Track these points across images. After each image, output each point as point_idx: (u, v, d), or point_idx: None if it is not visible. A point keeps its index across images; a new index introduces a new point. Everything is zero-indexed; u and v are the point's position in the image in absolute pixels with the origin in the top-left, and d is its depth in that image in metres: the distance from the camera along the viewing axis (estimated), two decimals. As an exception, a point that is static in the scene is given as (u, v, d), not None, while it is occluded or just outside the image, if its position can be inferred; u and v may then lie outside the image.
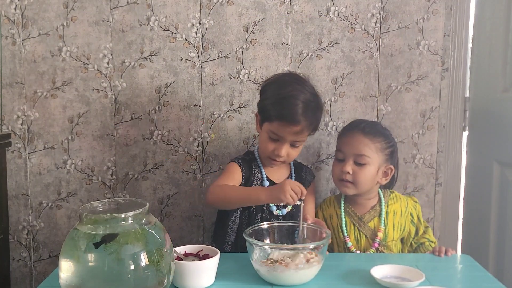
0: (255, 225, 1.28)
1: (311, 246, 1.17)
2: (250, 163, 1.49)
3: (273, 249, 1.19)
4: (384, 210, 1.48)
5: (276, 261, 1.15)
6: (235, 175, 1.45)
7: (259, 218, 1.45)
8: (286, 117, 1.34)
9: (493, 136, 1.71)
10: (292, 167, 1.54)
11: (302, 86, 1.39)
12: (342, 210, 1.49)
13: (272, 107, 1.37)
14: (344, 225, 1.47)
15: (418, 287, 1.10)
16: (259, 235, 1.26)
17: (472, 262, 1.33)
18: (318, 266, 1.16)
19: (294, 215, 1.46)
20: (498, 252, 1.70)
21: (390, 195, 1.52)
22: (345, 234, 1.46)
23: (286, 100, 1.35)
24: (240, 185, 1.45)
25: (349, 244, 1.45)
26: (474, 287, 1.18)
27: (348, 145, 1.45)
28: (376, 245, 1.44)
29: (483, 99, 1.76)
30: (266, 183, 1.47)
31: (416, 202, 1.52)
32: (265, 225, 1.29)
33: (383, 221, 1.46)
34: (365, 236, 1.45)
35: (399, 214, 1.49)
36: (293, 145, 1.40)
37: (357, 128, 1.46)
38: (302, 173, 1.55)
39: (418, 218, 1.50)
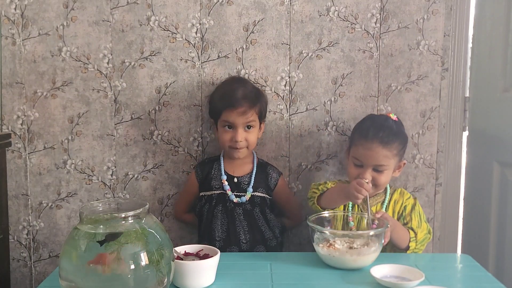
0: (318, 213, 1.43)
1: (371, 233, 1.29)
2: (212, 162, 1.66)
3: (333, 235, 1.32)
4: (388, 198, 1.54)
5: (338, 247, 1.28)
6: (189, 187, 1.69)
7: (220, 207, 1.60)
8: (229, 102, 1.53)
9: (493, 136, 1.71)
10: (255, 164, 1.64)
11: (241, 82, 1.60)
12: None
13: (218, 102, 1.57)
14: (350, 204, 1.53)
15: (418, 287, 1.10)
16: (321, 223, 1.41)
17: (472, 262, 1.34)
18: (376, 251, 1.28)
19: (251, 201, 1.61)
20: (498, 252, 1.70)
21: (395, 189, 1.57)
22: (349, 215, 1.50)
23: (228, 91, 1.56)
24: (198, 185, 1.65)
25: (351, 224, 1.48)
26: (474, 287, 1.18)
27: (366, 157, 1.46)
28: (375, 226, 1.45)
29: (483, 99, 1.76)
30: (224, 176, 1.61)
31: (415, 202, 1.54)
32: (326, 213, 1.45)
33: (385, 208, 1.52)
34: (365, 218, 1.47)
35: (400, 203, 1.54)
36: (248, 127, 1.56)
37: (375, 139, 1.45)
38: (266, 169, 1.66)
39: (410, 215, 1.51)
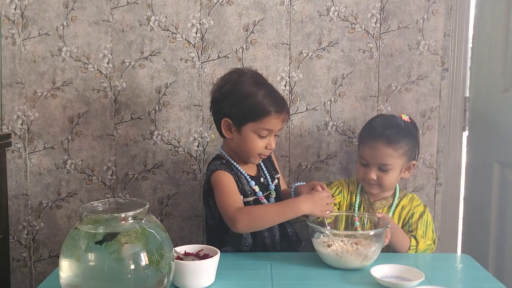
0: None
1: (371, 233, 1.27)
2: (230, 166, 1.44)
3: (334, 235, 1.30)
4: (395, 203, 1.52)
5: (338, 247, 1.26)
6: (234, 186, 1.41)
7: None
8: (275, 108, 1.36)
9: (493, 136, 1.71)
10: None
11: (261, 77, 1.44)
12: (359, 190, 1.55)
13: (258, 105, 1.35)
14: (357, 205, 1.53)
15: (418, 287, 1.10)
16: (321, 223, 1.38)
17: (472, 262, 1.33)
18: (376, 252, 1.26)
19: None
20: (498, 252, 1.70)
21: (406, 194, 1.55)
22: (356, 215, 1.47)
23: (269, 94, 1.37)
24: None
25: (357, 224, 1.46)
26: (474, 287, 1.18)
27: (371, 155, 1.46)
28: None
29: (483, 99, 1.76)
30: (252, 183, 1.46)
31: (424, 211, 1.51)
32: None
33: (391, 212, 1.51)
34: (370, 221, 1.46)
35: (407, 210, 1.52)
36: (276, 134, 1.43)
37: (380, 137, 1.44)
38: (271, 157, 1.58)
39: (416, 224, 1.49)
